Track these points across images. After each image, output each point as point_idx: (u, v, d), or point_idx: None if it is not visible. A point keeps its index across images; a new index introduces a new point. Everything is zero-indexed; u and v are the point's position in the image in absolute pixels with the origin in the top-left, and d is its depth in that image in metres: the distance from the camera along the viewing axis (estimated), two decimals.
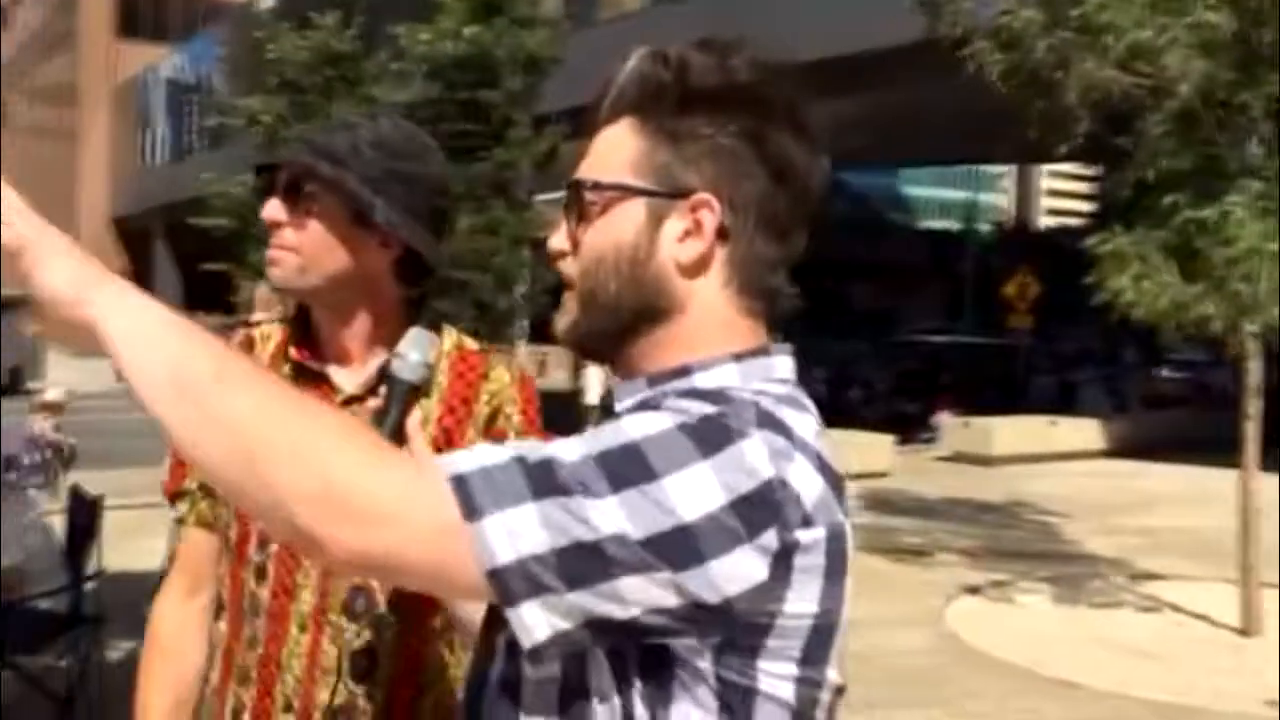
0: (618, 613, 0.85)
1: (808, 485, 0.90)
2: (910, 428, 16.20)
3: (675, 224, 0.99)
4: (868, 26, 13.62)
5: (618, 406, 1.01)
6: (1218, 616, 6.40)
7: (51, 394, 10.81)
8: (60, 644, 4.68)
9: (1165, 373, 21.32)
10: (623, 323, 1.00)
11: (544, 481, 0.85)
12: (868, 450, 11.90)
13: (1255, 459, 6.31)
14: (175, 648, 1.54)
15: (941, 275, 47.46)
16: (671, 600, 0.86)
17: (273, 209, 1.46)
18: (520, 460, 0.86)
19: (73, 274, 0.91)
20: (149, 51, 39.80)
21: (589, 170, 1.02)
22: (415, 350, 1.15)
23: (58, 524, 5.44)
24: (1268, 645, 5.95)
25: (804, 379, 1.05)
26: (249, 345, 1.56)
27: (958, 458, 12.93)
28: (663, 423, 0.89)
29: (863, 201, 51.25)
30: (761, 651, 0.91)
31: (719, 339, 1.00)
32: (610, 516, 0.84)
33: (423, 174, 1.48)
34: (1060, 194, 64.93)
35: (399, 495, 0.84)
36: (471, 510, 0.84)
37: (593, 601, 0.84)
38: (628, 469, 0.86)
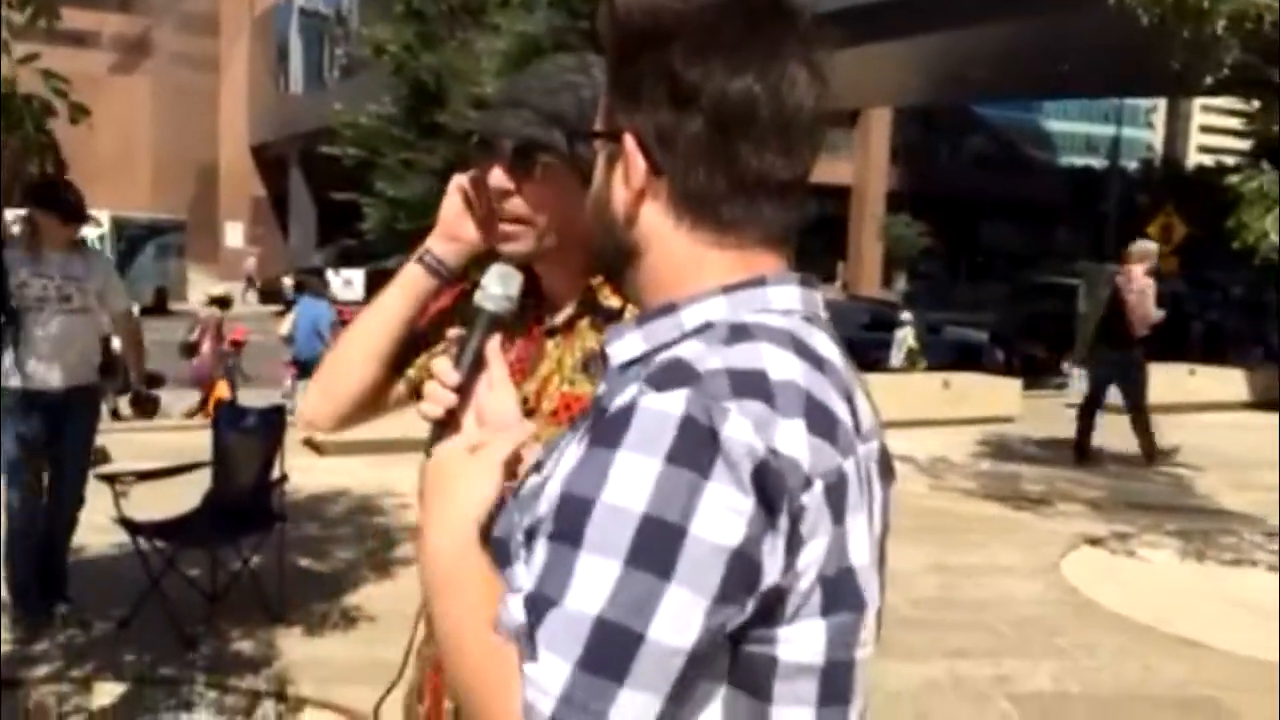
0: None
1: (798, 443, 0.87)
2: (1041, 373, 15.73)
3: (620, 169, 1.00)
4: None
5: (608, 349, 1.01)
6: None
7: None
8: (246, 541, 5.14)
9: None
10: (611, 269, 1.06)
11: (619, 654, 0.83)
12: (993, 394, 11.63)
13: None
14: None
15: (1083, 214, 45.69)
16: (740, 619, 0.89)
17: (499, 178, 1.46)
18: (590, 650, 0.84)
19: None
20: None
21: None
22: (497, 284, 1.26)
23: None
24: None
25: (819, 306, 1.01)
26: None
27: None
28: (648, 469, 0.85)
29: (1000, 137, 49.58)
30: (780, 618, 0.90)
31: (694, 278, 0.97)
32: (680, 608, 0.84)
33: None
34: (1214, 130, 61.55)
35: None
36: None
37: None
38: (657, 550, 0.84)
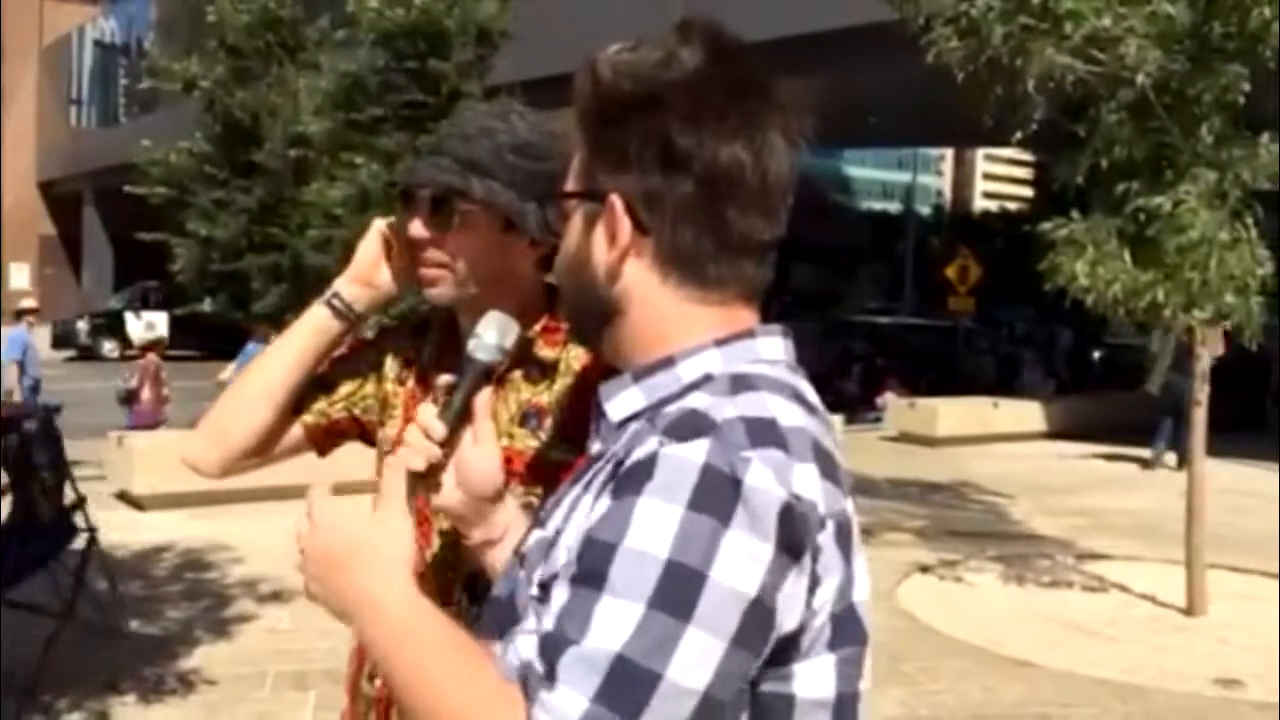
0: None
1: (813, 486, 0.92)
2: (853, 408, 16.34)
3: (602, 228, 1.02)
4: (822, 7, 13.61)
5: (606, 406, 1.03)
6: (1163, 597, 6.54)
7: None
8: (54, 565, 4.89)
9: (1099, 356, 21.67)
10: (588, 325, 1.07)
11: (636, 691, 0.84)
12: None
13: (1202, 444, 6.43)
14: None
15: (882, 257, 47.86)
16: (757, 664, 0.91)
17: (418, 228, 1.46)
18: (608, 685, 0.85)
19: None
20: (79, 11, 38.63)
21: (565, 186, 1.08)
22: (491, 333, 1.22)
23: None
24: (1212, 625, 6.10)
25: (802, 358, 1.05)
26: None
27: (903, 438, 13.06)
28: (670, 516, 0.87)
29: (807, 183, 51.59)
30: (795, 655, 0.93)
31: (681, 333, 1.01)
32: (697, 651, 0.85)
33: (563, 169, 1.46)
34: (996, 178, 65.70)
35: None
36: None
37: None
38: (678, 594, 0.85)
